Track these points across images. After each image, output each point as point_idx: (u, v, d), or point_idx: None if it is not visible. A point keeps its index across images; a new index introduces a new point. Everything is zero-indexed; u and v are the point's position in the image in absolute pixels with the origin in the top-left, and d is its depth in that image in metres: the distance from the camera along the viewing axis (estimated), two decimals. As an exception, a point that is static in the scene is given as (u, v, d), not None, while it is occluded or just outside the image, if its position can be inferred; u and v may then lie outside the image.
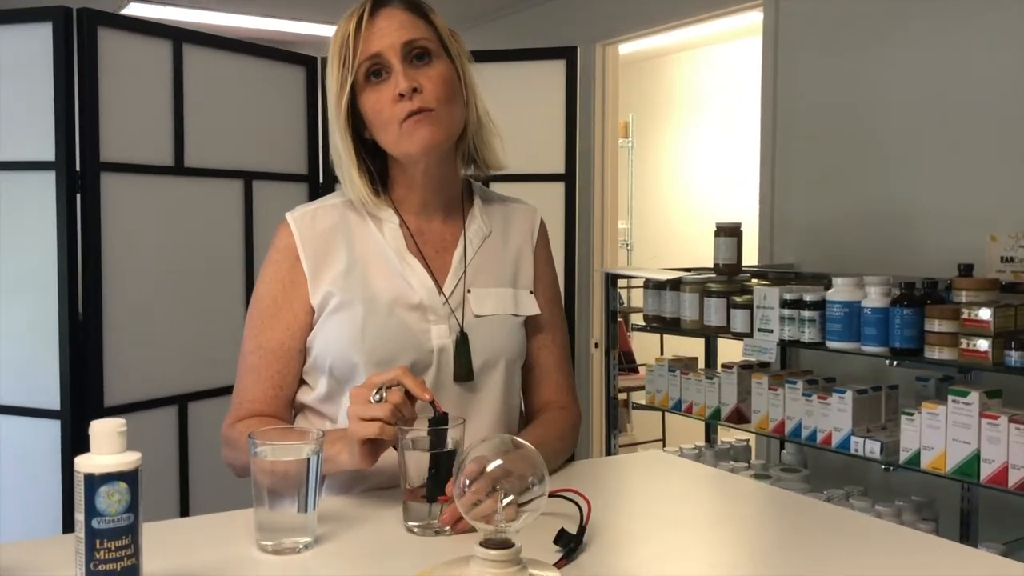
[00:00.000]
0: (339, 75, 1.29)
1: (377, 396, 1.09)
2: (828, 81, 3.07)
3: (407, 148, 1.29)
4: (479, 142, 1.37)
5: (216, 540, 1.09)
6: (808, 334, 2.48)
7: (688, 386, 2.94)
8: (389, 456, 1.14)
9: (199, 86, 2.87)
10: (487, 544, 0.93)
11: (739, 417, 2.79)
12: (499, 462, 0.99)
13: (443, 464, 1.08)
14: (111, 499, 0.85)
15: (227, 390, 1.36)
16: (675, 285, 2.93)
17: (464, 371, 1.31)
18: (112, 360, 2.63)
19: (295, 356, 1.33)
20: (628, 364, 4.75)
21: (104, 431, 0.87)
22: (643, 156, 5.58)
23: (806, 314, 2.48)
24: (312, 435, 1.07)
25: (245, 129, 3.03)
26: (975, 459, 2.11)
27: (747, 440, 3.07)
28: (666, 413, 3.31)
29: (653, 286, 3.02)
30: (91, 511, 0.85)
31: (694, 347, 3.37)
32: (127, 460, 0.87)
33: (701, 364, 3.17)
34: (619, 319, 3.26)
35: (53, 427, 2.57)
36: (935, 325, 2.21)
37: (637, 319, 3.25)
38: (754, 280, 2.94)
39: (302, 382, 1.36)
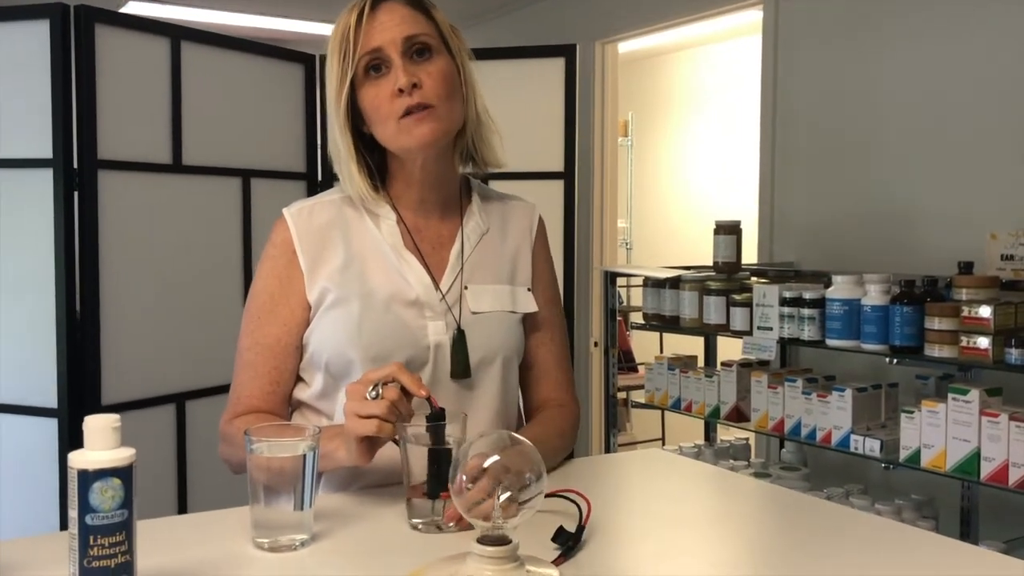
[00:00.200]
0: (339, 69, 1.28)
1: (373, 393, 1.09)
2: (828, 79, 3.06)
3: (405, 144, 1.28)
4: (478, 139, 1.37)
5: (212, 537, 1.09)
6: (808, 332, 2.47)
7: (687, 384, 2.94)
8: (385, 453, 1.13)
9: (197, 84, 2.86)
10: (484, 541, 0.93)
11: (738, 415, 2.79)
12: (496, 458, 0.99)
13: (443, 460, 1.07)
14: (105, 495, 0.85)
15: (225, 388, 1.35)
16: (674, 283, 2.92)
17: (461, 368, 1.30)
18: (109, 358, 2.62)
19: (292, 352, 1.32)
20: (627, 363, 4.75)
21: (98, 427, 0.86)
22: (642, 155, 5.57)
23: (806, 312, 2.48)
24: (308, 432, 1.06)
25: (243, 127, 3.02)
26: (975, 457, 2.11)
27: (747, 438, 3.07)
28: (665, 412, 3.31)
29: (652, 284, 3.02)
30: (85, 507, 0.84)
31: (693, 345, 3.37)
32: (121, 456, 0.86)
33: (700, 362, 3.17)
34: (618, 318, 3.25)
35: (50, 425, 2.56)
36: (935, 323, 2.20)
37: (636, 317, 3.24)
38: (753, 278, 2.94)
39: (299, 379, 1.35)
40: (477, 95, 1.35)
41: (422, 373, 1.28)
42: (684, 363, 3.03)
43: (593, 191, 4.04)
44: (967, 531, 2.47)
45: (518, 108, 3.27)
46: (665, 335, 4.81)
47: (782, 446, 2.92)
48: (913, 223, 2.80)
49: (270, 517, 1.03)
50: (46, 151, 2.54)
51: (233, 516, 1.13)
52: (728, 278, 2.84)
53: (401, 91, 1.25)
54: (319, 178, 3.26)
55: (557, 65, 3.34)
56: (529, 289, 1.41)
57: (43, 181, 2.55)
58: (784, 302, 2.53)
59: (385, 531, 1.11)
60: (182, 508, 2.83)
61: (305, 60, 3.23)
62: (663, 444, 4.91)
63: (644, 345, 5.10)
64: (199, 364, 2.84)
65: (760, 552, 1.11)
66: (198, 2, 4.35)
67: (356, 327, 1.27)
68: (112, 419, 0.87)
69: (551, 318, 1.44)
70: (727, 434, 3.19)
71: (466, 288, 1.34)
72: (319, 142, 3.24)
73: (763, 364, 2.79)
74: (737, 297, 2.69)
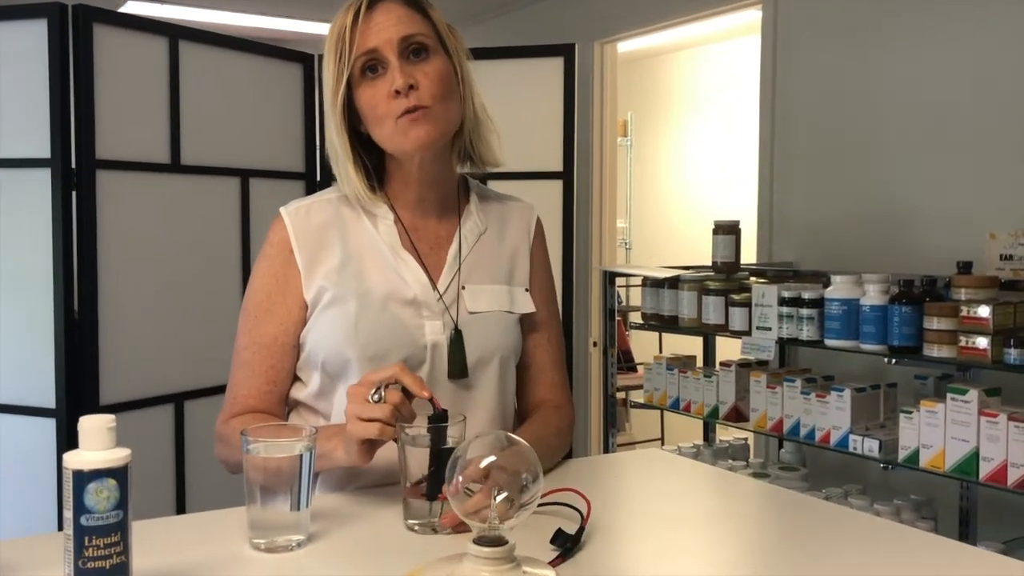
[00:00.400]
0: (335, 69, 1.27)
1: (376, 396, 1.08)
2: (827, 79, 3.06)
3: (402, 145, 1.28)
4: (476, 139, 1.36)
5: (208, 538, 1.08)
6: (806, 332, 2.47)
7: (686, 384, 2.93)
8: (383, 453, 1.13)
9: (195, 83, 2.86)
10: (480, 541, 0.92)
11: (737, 415, 2.79)
12: (493, 458, 0.98)
13: (444, 461, 1.07)
14: (100, 496, 0.84)
15: (223, 388, 1.35)
16: (673, 283, 2.92)
17: (458, 368, 1.30)
18: (108, 358, 2.62)
19: (289, 351, 1.32)
20: (626, 363, 4.75)
21: (93, 427, 0.86)
22: (642, 154, 5.57)
23: (804, 312, 2.47)
24: (305, 432, 1.05)
25: (242, 127, 3.02)
26: (974, 457, 2.10)
27: (745, 438, 3.06)
28: (664, 412, 3.30)
29: (651, 284, 3.01)
30: (80, 508, 0.84)
31: (692, 345, 3.37)
32: (116, 456, 0.86)
33: (699, 362, 3.17)
34: (617, 318, 3.25)
35: (49, 425, 2.56)
36: (934, 323, 2.20)
37: (635, 317, 3.24)
38: (752, 278, 2.93)
39: (295, 378, 1.35)
40: (475, 94, 1.35)
41: (419, 373, 1.27)
42: (683, 363, 3.02)
43: (592, 191, 4.04)
44: (966, 531, 2.47)
45: (517, 108, 3.27)
46: (664, 335, 4.81)
47: (781, 446, 2.91)
48: (912, 223, 2.80)
49: (267, 517, 1.03)
50: (44, 151, 2.54)
51: (231, 516, 1.12)
52: (727, 278, 2.84)
53: (397, 92, 1.24)
54: (318, 178, 3.25)
55: (556, 65, 3.34)
56: (527, 289, 1.41)
57: (41, 181, 2.55)
58: (783, 302, 2.53)
59: (382, 531, 1.10)
60: (180, 508, 2.83)
61: (304, 60, 3.22)
62: (662, 444, 4.90)
63: (643, 345, 5.10)
64: (198, 364, 2.84)
65: (759, 552, 1.10)
66: (197, 2, 4.34)
67: (353, 326, 1.27)
68: (107, 419, 0.86)
69: (548, 319, 1.44)
70: (726, 434, 3.19)
71: (463, 288, 1.34)
72: (318, 142, 3.24)
73: (762, 364, 2.79)
74: (736, 297, 2.69)
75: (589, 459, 1.50)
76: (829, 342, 2.42)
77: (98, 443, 0.86)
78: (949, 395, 2.15)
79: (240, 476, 1.05)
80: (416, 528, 1.09)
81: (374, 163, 1.34)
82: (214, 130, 2.93)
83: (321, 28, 4.80)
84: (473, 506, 0.96)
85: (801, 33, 3.15)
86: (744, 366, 2.79)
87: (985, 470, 2.09)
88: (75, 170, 2.56)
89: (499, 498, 0.94)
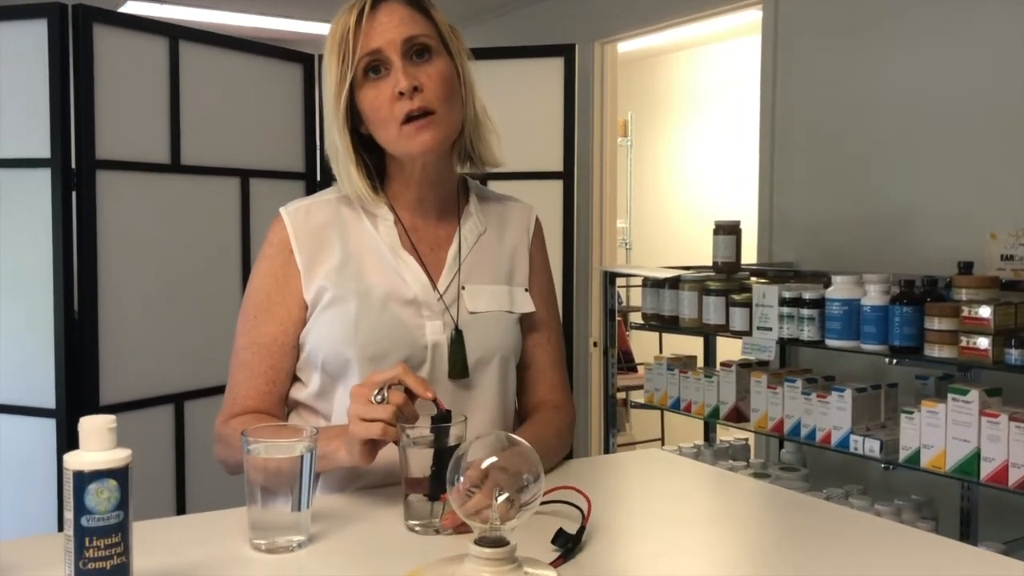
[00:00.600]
0: (338, 70, 1.27)
1: (379, 396, 1.08)
2: (827, 79, 3.06)
3: (406, 149, 1.28)
4: (476, 139, 1.36)
5: (209, 538, 1.08)
6: (807, 332, 2.47)
7: (687, 385, 2.93)
8: (383, 454, 1.13)
9: (196, 83, 2.86)
10: (481, 542, 0.92)
11: (738, 416, 2.78)
12: (494, 459, 0.98)
13: (446, 462, 1.07)
14: (100, 496, 0.84)
15: (223, 388, 1.35)
16: (674, 283, 2.92)
17: (459, 368, 1.29)
18: (108, 358, 2.62)
19: (288, 351, 1.31)
20: (627, 363, 4.74)
21: (93, 428, 0.86)
22: (642, 154, 5.57)
23: (805, 312, 2.47)
24: (305, 432, 1.05)
25: (242, 127, 3.02)
26: (975, 457, 2.10)
27: (746, 439, 3.06)
28: (665, 412, 3.30)
29: (652, 284, 3.01)
30: (80, 509, 0.84)
31: (693, 346, 3.36)
32: (117, 457, 0.86)
33: (700, 363, 3.16)
34: (618, 318, 3.25)
35: (49, 425, 2.56)
36: (935, 323, 2.20)
37: (636, 318, 3.24)
38: (753, 278, 2.93)
39: (295, 379, 1.34)
40: (475, 95, 1.35)
41: (419, 373, 1.27)
42: (683, 363, 3.02)
43: (592, 191, 4.04)
44: (967, 532, 2.46)
45: (517, 108, 3.27)
46: (664, 335, 4.81)
47: (781, 446, 2.91)
48: (913, 223, 2.80)
49: (267, 518, 1.03)
50: (44, 151, 2.54)
51: (231, 517, 1.12)
52: (727, 278, 2.84)
53: (401, 94, 1.24)
54: (318, 178, 3.25)
55: (556, 65, 3.34)
56: (526, 289, 1.40)
57: (41, 181, 2.55)
58: (783, 302, 2.52)
59: (383, 532, 1.10)
60: (180, 508, 2.82)
61: (304, 60, 3.22)
62: (662, 444, 4.90)
63: (643, 345, 5.10)
64: (198, 364, 2.84)
65: (759, 553, 1.10)
66: (197, 2, 4.34)
67: (353, 326, 1.26)
68: (108, 420, 0.86)
69: (547, 320, 1.44)
70: (726, 434, 3.19)
71: (463, 288, 1.34)
72: (318, 142, 3.24)
73: (762, 364, 2.79)
74: (736, 297, 2.69)
75: (589, 459, 1.50)
76: (830, 342, 2.42)
77: (98, 444, 0.86)
78: (950, 395, 2.15)
79: (241, 476, 1.05)
80: (417, 529, 1.09)
81: (374, 163, 1.34)
82: (214, 130, 2.92)
83: (321, 28, 4.80)
84: (474, 506, 0.96)
85: (801, 33, 3.15)
86: (745, 366, 2.79)
87: (986, 470, 2.08)
88: (75, 170, 2.56)
89: (500, 499, 0.94)
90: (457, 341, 1.30)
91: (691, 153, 5.37)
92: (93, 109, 2.58)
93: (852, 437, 2.39)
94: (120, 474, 0.85)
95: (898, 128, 2.85)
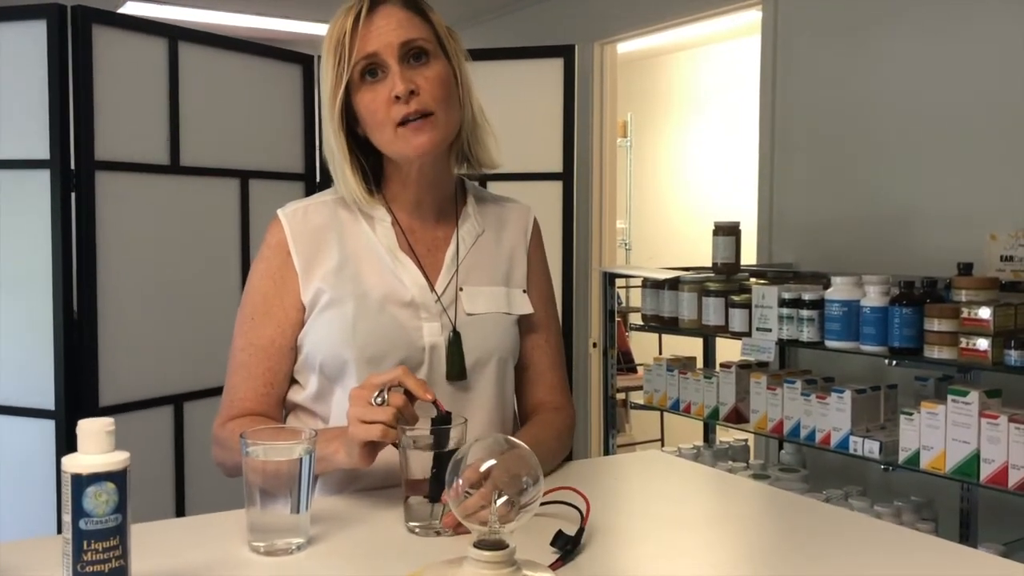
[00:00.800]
0: (334, 73, 1.27)
1: (379, 399, 1.08)
2: (827, 79, 3.06)
3: (402, 151, 1.27)
4: (473, 141, 1.36)
5: (207, 541, 1.08)
6: (807, 333, 2.47)
7: (686, 386, 2.93)
8: (383, 455, 1.12)
9: (195, 84, 2.86)
10: (481, 545, 0.92)
11: (737, 417, 2.78)
12: (493, 462, 0.98)
13: (446, 463, 1.07)
14: (99, 499, 0.84)
15: (223, 390, 1.35)
16: (673, 284, 2.92)
17: (456, 370, 1.29)
18: (107, 360, 2.62)
19: (286, 353, 1.31)
20: (626, 364, 4.74)
21: (92, 430, 0.86)
22: (642, 155, 5.57)
23: (805, 313, 2.47)
24: (305, 435, 1.05)
25: (241, 128, 3.01)
26: (975, 459, 2.10)
27: (746, 440, 3.06)
28: (664, 413, 3.30)
29: (651, 285, 3.01)
30: (78, 512, 0.84)
31: (692, 347, 3.36)
32: (115, 460, 0.86)
33: (699, 364, 3.16)
34: (617, 319, 3.25)
35: (48, 427, 2.56)
36: (934, 324, 2.20)
37: (635, 319, 3.24)
38: (752, 279, 2.93)
39: (293, 381, 1.34)
40: (473, 97, 1.34)
41: (417, 375, 1.27)
42: (683, 364, 3.02)
43: (592, 192, 4.04)
44: (966, 533, 2.46)
45: (517, 109, 3.27)
46: (664, 336, 4.81)
47: (781, 447, 2.91)
48: (912, 224, 2.79)
49: (266, 520, 1.02)
50: (43, 152, 2.54)
51: (230, 519, 1.12)
52: (727, 279, 2.83)
53: (398, 98, 1.24)
54: (317, 179, 3.25)
55: (556, 66, 3.34)
56: (524, 291, 1.40)
57: (40, 182, 2.55)
58: (783, 303, 2.52)
59: (382, 534, 1.10)
60: (180, 510, 2.82)
61: (303, 61, 3.22)
62: (662, 445, 4.90)
63: (643, 346, 5.10)
64: (197, 365, 2.84)
65: (759, 554, 1.10)
66: (196, 2, 4.34)
67: (351, 328, 1.26)
68: (106, 423, 0.86)
69: (546, 321, 1.43)
70: (726, 435, 3.19)
71: (461, 290, 1.33)
72: (317, 143, 3.24)
73: (762, 365, 2.79)
74: (736, 298, 2.69)
75: (589, 461, 1.49)
76: (829, 343, 2.42)
77: (97, 446, 0.85)
78: (950, 397, 2.15)
79: (240, 478, 1.05)
80: (417, 530, 1.08)
81: (371, 164, 1.34)
82: (213, 131, 2.92)
83: (321, 29, 4.78)
84: (472, 507, 0.96)
85: (801, 33, 3.15)
86: (744, 367, 2.79)
87: (986, 472, 2.08)
88: (74, 171, 2.56)
89: (499, 502, 0.94)
90: (455, 343, 1.29)
91: (690, 154, 5.37)
92: (92, 110, 2.58)
93: (852, 438, 2.39)
94: (118, 477, 0.85)
95: (898, 128, 2.85)
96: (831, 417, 2.44)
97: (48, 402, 2.56)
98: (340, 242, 1.32)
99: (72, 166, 2.56)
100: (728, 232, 2.85)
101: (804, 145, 3.15)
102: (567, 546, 1.01)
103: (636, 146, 5.54)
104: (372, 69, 1.26)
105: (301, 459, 1.02)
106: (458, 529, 1.06)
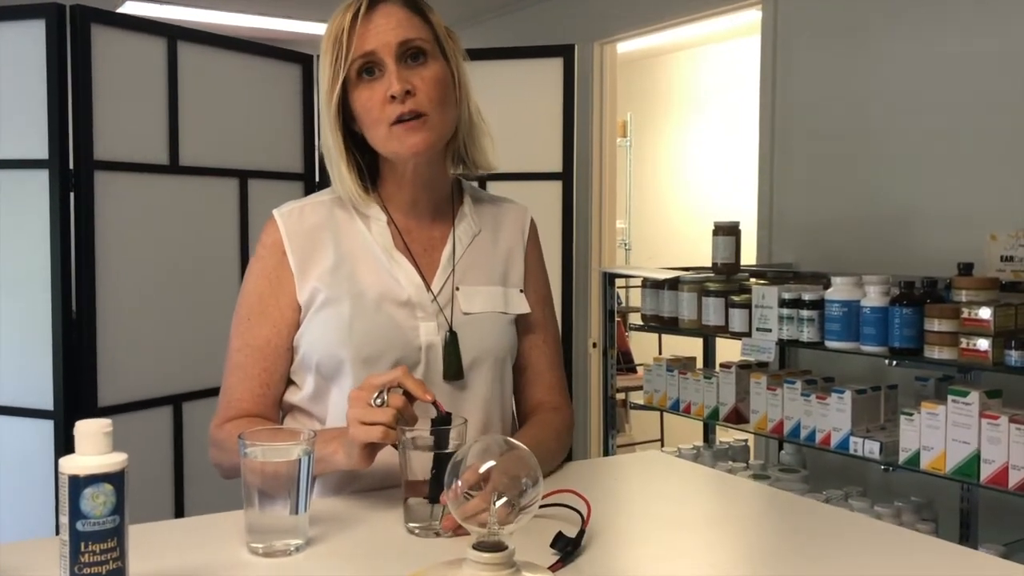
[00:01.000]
0: (331, 70, 1.27)
1: (379, 400, 1.08)
2: (827, 79, 3.05)
3: (396, 150, 1.27)
4: (469, 142, 1.36)
5: (205, 542, 1.08)
6: (807, 334, 2.47)
7: (686, 386, 2.93)
8: (382, 456, 1.12)
9: (194, 84, 2.86)
10: (480, 547, 0.92)
11: (737, 417, 2.78)
12: (492, 463, 0.98)
13: (446, 464, 1.06)
14: (96, 501, 0.84)
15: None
16: (673, 284, 2.91)
17: (453, 369, 1.29)
18: (106, 360, 2.62)
19: (282, 354, 1.31)
20: (626, 364, 4.74)
21: (89, 432, 0.85)
22: (641, 155, 5.56)
23: (805, 313, 2.47)
24: (303, 436, 1.05)
25: (240, 127, 3.01)
26: (975, 459, 2.10)
27: (745, 440, 3.06)
28: (664, 413, 3.30)
29: (651, 285, 3.01)
30: (76, 513, 0.83)
31: (692, 347, 3.36)
32: (113, 461, 0.85)
33: (699, 364, 3.16)
34: (617, 319, 3.24)
35: (47, 427, 2.55)
36: (935, 324, 2.19)
37: (635, 319, 3.23)
38: (752, 279, 2.93)
39: (290, 382, 1.34)
40: (470, 98, 1.34)
41: (414, 374, 1.26)
42: (683, 364, 3.02)
43: (592, 192, 4.03)
44: (966, 533, 2.46)
45: (516, 109, 3.26)
46: (664, 336, 4.80)
47: (781, 448, 2.91)
48: (912, 224, 2.79)
49: (265, 522, 1.02)
50: (42, 152, 2.54)
51: (228, 520, 1.12)
52: (727, 279, 2.83)
53: (393, 98, 1.24)
54: (316, 179, 3.25)
55: (555, 65, 3.34)
56: (521, 291, 1.40)
57: (39, 182, 2.54)
58: (783, 303, 2.52)
59: (381, 535, 1.10)
60: (179, 511, 2.82)
61: (302, 60, 3.22)
62: (662, 446, 4.90)
63: (643, 346, 5.09)
64: (196, 366, 2.83)
65: (759, 555, 1.10)
66: (195, 2, 4.34)
67: (347, 327, 1.26)
68: (103, 424, 0.86)
69: (543, 321, 1.43)
70: (726, 436, 3.19)
71: (457, 289, 1.33)
72: (317, 143, 3.23)
73: (762, 366, 2.79)
74: (736, 298, 2.68)
75: (589, 461, 1.49)
76: (829, 344, 2.42)
77: (94, 448, 0.85)
78: (950, 397, 2.15)
79: (238, 479, 1.05)
80: (416, 531, 1.08)
81: (368, 164, 1.34)
82: (213, 131, 2.92)
83: (320, 29, 4.79)
84: (471, 510, 0.96)
85: (801, 33, 3.15)
86: (744, 367, 2.79)
87: (986, 472, 2.08)
88: (73, 171, 2.56)
89: (499, 503, 0.94)
90: (451, 342, 1.29)
91: (690, 153, 5.37)
92: (91, 110, 2.58)
93: (852, 439, 2.39)
94: (116, 478, 0.85)
95: (898, 128, 2.84)
96: (831, 417, 2.44)
97: (47, 402, 2.56)
98: (336, 242, 1.32)
99: (71, 166, 2.56)
100: (728, 232, 2.85)
101: (804, 145, 3.15)
102: (567, 548, 1.00)
103: (636, 146, 5.54)
104: (369, 67, 1.26)
105: (300, 460, 1.02)
106: (457, 530, 1.06)
